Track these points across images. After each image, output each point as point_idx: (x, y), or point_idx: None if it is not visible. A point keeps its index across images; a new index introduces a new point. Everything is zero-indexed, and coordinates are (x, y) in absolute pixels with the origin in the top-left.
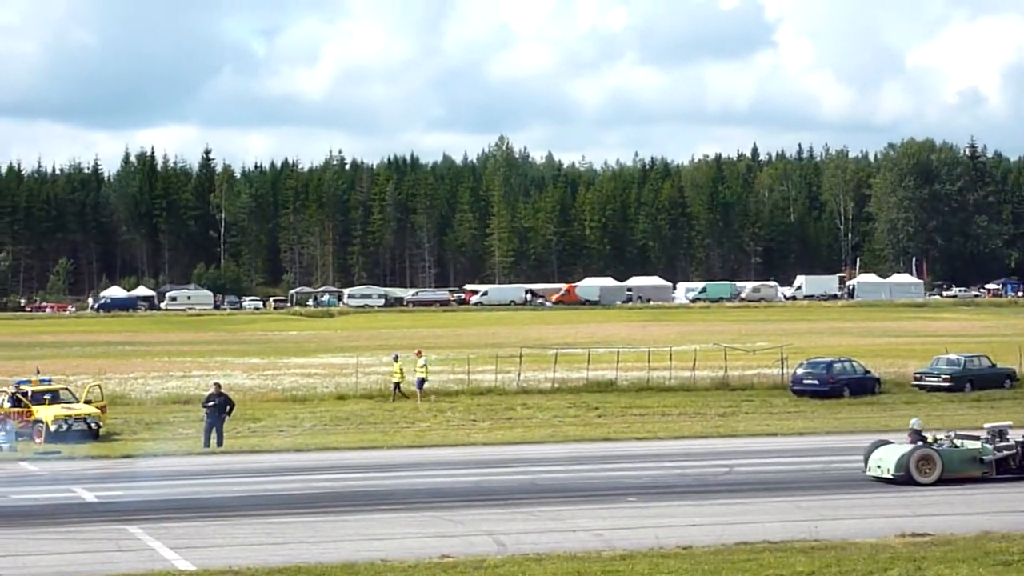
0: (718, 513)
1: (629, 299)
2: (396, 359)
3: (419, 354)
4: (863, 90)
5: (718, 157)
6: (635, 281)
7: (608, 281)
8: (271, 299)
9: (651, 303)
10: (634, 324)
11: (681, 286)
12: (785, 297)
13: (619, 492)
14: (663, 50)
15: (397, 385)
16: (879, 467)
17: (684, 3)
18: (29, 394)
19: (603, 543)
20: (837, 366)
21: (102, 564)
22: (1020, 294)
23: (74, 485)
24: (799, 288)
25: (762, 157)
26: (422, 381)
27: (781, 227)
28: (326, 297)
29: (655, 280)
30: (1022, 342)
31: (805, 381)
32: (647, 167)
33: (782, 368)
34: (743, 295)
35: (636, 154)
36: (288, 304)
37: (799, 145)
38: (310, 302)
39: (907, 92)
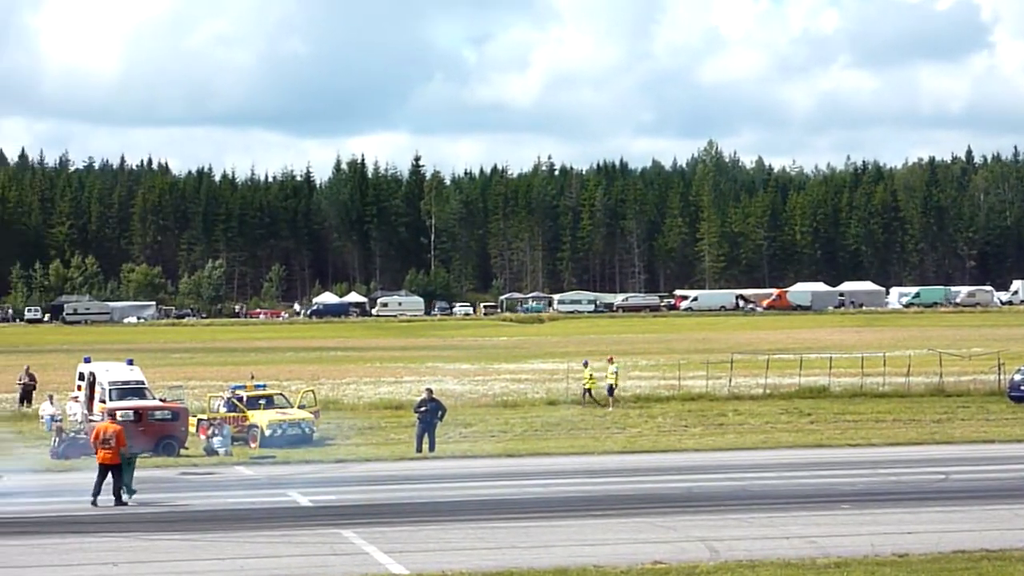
0: (934, 520)
1: (841, 304)
2: (586, 365)
3: (611, 360)
4: None
5: (932, 160)
6: (847, 286)
7: (820, 286)
8: (481, 305)
9: (863, 308)
10: (846, 329)
11: (894, 291)
12: (1001, 302)
13: (833, 499)
14: (875, 52)
15: (588, 391)
16: None
17: (897, 5)
18: (244, 399)
19: (817, 550)
20: None
21: (316, 568)
22: None
23: (288, 489)
24: (1016, 293)
25: (977, 160)
26: (611, 388)
27: (997, 231)
28: (531, 303)
29: (867, 285)
30: None
31: (1023, 387)
32: (859, 171)
33: (999, 374)
34: (957, 300)
35: (848, 158)
36: (498, 310)
37: (1015, 147)
38: (520, 307)
39: None
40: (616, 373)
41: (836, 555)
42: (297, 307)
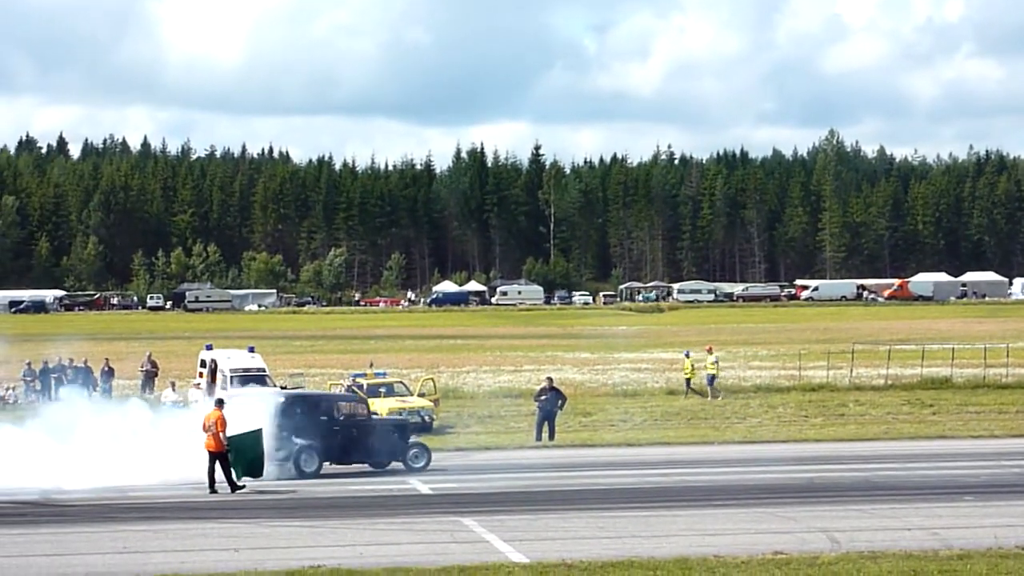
0: None
1: (963, 295)
2: (688, 355)
3: (710, 350)
4: None
5: None
6: (969, 276)
7: (942, 276)
8: (600, 294)
9: (986, 299)
10: (969, 320)
11: (1017, 281)
12: None
13: (956, 491)
14: (1001, 41)
15: (688, 381)
16: None
17: None
18: (364, 387)
19: (940, 542)
20: None
21: (437, 555)
22: None
23: (409, 477)
24: None
25: None
26: (712, 377)
27: None
28: (651, 292)
29: (990, 275)
30: None
31: None
32: (982, 160)
33: None
34: None
35: (971, 147)
36: (617, 299)
37: None
38: (639, 297)
39: None
40: (716, 363)
41: (959, 547)
42: (411, 295)
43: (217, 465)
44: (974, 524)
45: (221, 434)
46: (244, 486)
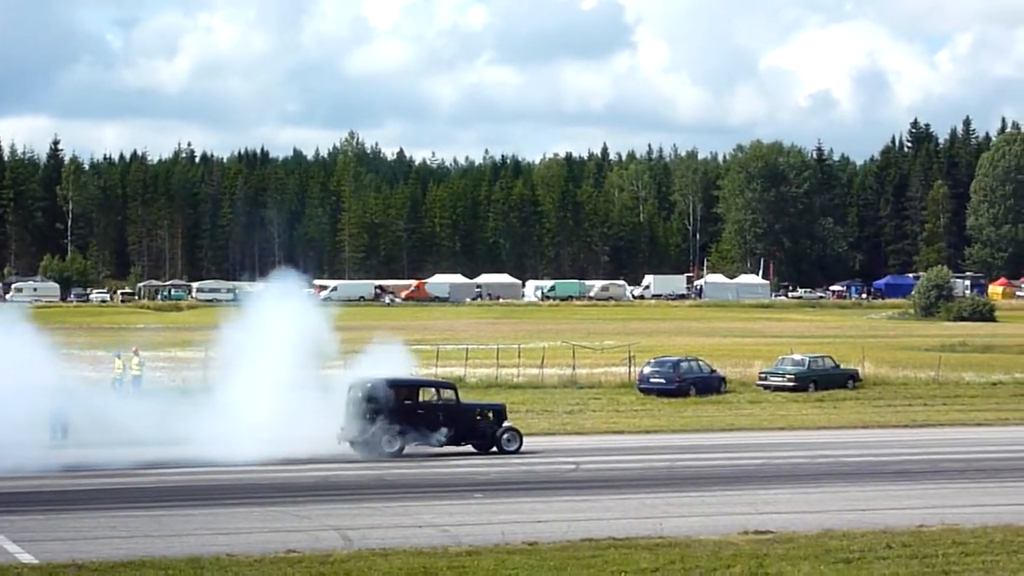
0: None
1: (479, 296)
2: (119, 356)
3: (136, 352)
4: (717, 92)
5: (568, 156)
6: (485, 279)
7: (458, 278)
8: (118, 291)
9: (500, 300)
10: (483, 321)
11: (531, 284)
12: (633, 296)
13: (467, 488)
14: (517, 50)
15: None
16: None
17: (543, 3)
18: None
19: (450, 539)
20: (684, 365)
21: None
22: (864, 296)
23: None
24: (647, 287)
25: (612, 156)
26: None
27: (630, 226)
28: (172, 291)
29: (505, 278)
30: (865, 343)
31: (652, 379)
32: (498, 165)
33: (629, 366)
34: (592, 294)
35: (486, 151)
36: (136, 297)
37: (649, 145)
38: (160, 295)
39: (760, 95)
40: (141, 365)
41: (468, 543)
42: None
43: None
44: (483, 521)
45: None
46: None
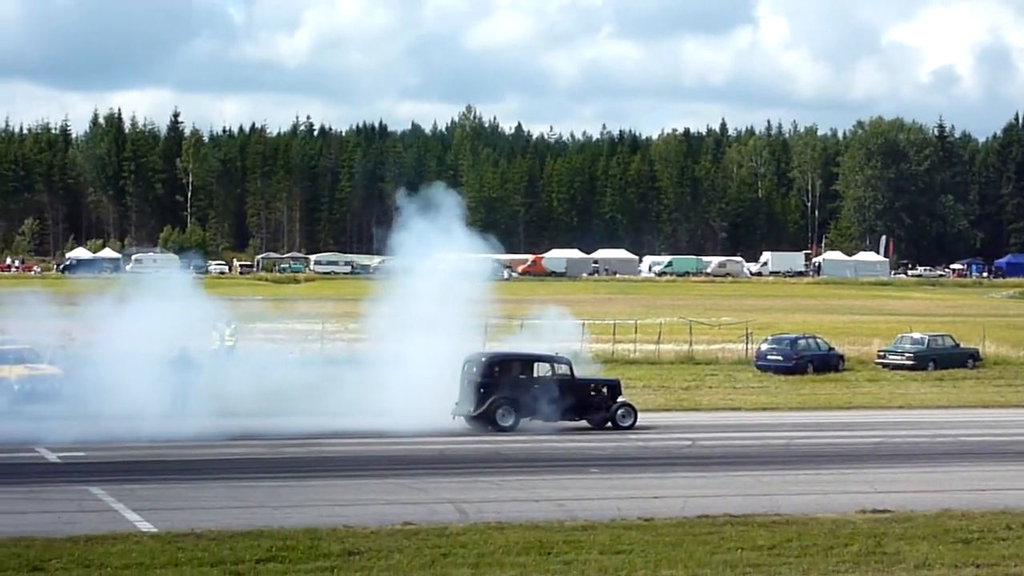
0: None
1: (595, 271)
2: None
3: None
4: (838, 68)
5: (687, 131)
6: (601, 253)
7: (574, 253)
8: (237, 263)
9: (617, 276)
10: (599, 296)
11: (647, 259)
12: (751, 273)
13: (583, 463)
14: (636, 25)
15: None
16: None
17: None
18: None
19: (565, 513)
20: (801, 342)
21: (64, 524)
22: (984, 274)
23: (37, 446)
24: (765, 264)
25: (731, 133)
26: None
27: (748, 203)
28: (289, 263)
29: (621, 253)
30: (985, 322)
31: (769, 357)
32: (615, 140)
33: (747, 343)
34: (709, 270)
35: (604, 127)
36: (254, 269)
37: (768, 121)
38: (277, 268)
39: (881, 70)
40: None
41: (583, 518)
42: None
43: None
44: (599, 496)
45: None
46: None
